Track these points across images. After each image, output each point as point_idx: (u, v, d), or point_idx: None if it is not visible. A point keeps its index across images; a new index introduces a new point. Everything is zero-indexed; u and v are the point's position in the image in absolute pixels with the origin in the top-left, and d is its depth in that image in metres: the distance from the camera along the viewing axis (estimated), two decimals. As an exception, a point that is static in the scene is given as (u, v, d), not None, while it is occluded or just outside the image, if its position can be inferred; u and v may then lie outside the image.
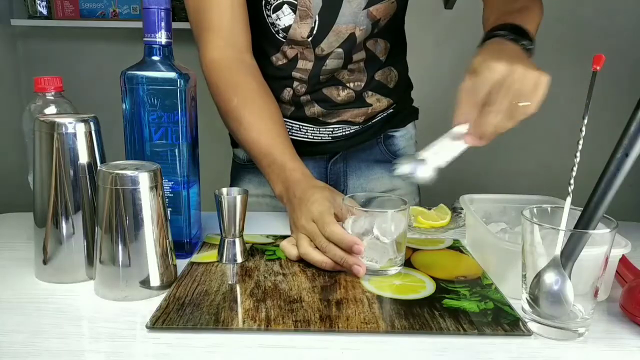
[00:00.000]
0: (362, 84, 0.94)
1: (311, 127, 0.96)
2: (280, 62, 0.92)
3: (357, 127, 0.98)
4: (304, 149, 0.97)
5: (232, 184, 1.07)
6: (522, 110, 0.61)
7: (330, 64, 0.90)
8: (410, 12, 0.98)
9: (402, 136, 1.05)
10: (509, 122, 0.61)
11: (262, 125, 0.80)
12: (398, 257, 0.67)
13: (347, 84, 0.93)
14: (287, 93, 0.93)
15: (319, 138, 0.97)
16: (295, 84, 0.92)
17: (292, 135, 0.96)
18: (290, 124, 0.96)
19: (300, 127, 0.96)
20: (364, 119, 0.98)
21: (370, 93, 0.96)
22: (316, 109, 0.94)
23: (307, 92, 0.93)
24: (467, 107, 0.63)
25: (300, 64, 0.90)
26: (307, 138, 0.97)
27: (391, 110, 1.01)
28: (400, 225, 0.66)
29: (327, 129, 0.97)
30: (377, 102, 0.97)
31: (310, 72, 0.91)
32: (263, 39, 0.90)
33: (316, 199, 0.70)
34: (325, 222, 0.66)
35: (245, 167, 1.04)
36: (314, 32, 0.87)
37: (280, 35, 0.88)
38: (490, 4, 0.87)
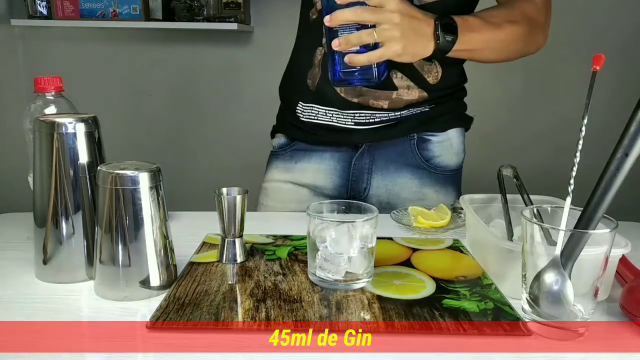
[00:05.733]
0: None
1: (335, 111, 0.95)
2: (314, 17, 0.94)
3: (382, 114, 0.94)
4: (329, 137, 0.97)
5: (266, 170, 1.08)
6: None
7: None
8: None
9: (440, 142, 0.98)
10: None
11: None
12: (363, 270, 0.63)
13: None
14: (319, 53, 0.94)
15: (343, 123, 0.95)
16: (324, 40, 0.90)
17: (317, 120, 0.97)
18: (317, 109, 0.96)
19: (326, 112, 0.96)
20: (388, 104, 0.92)
21: (399, 74, 0.91)
22: None
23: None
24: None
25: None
26: (332, 121, 0.96)
27: (426, 109, 0.95)
28: (355, 239, 0.62)
29: (350, 114, 0.94)
30: (406, 89, 0.92)
31: None
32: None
33: None
34: None
35: (275, 154, 1.06)
36: None
37: None
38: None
